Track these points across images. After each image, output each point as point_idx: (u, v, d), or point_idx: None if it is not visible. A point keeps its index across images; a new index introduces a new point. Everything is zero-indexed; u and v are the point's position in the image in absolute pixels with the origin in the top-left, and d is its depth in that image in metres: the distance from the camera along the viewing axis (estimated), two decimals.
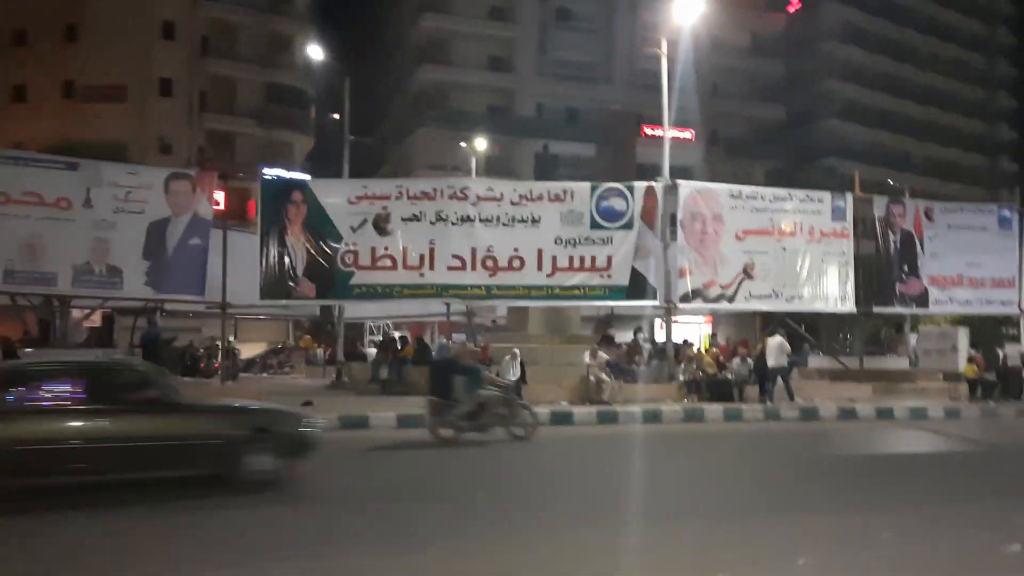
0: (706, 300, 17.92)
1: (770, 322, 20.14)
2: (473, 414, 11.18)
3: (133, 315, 19.60)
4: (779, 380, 16.23)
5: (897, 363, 28.35)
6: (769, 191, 19.47)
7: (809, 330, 22.55)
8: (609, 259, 17.01)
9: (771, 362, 16.21)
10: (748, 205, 18.12)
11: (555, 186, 17.68)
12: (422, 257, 16.64)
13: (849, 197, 19.07)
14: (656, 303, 17.54)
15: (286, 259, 16.39)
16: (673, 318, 18.50)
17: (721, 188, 18.67)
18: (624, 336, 21.90)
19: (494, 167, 37.97)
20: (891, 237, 19.13)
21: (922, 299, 19.42)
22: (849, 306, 18.72)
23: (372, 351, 23.40)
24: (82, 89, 35.79)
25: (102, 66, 35.47)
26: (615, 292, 17.23)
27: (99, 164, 16.12)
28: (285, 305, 21.08)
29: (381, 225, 16.55)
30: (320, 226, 16.43)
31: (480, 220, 16.81)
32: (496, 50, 44.14)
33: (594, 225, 17.07)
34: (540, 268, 16.88)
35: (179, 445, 7.41)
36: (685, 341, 22.15)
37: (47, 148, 22.75)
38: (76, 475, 7.18)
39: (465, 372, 11.43)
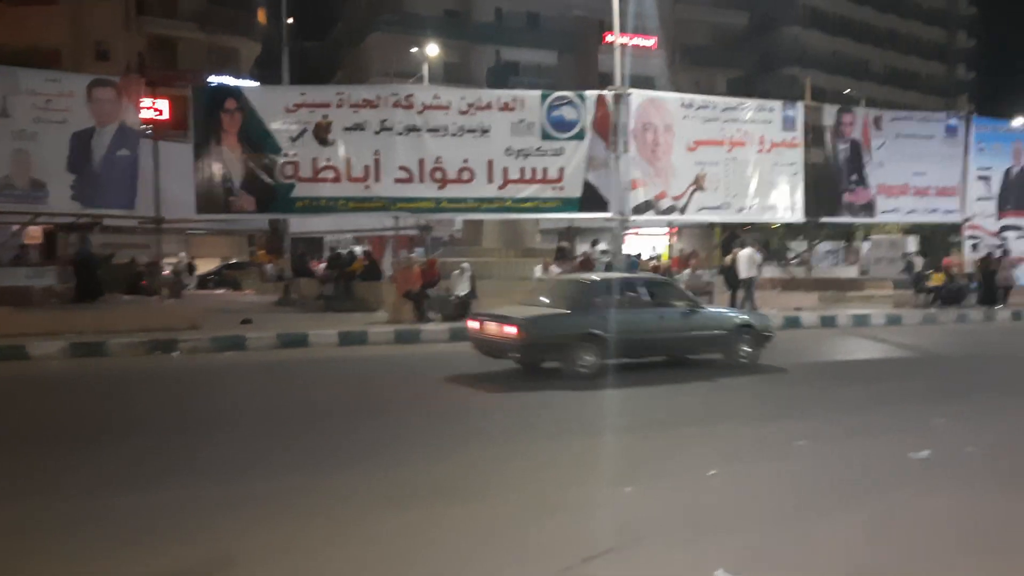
0: (658, 212, 17.78)
1: (734, 234, 20.18)
2: None
3: (78, 231, 18.79)
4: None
5: (847, 272, 28.96)
6: (721, 100, 19.12)
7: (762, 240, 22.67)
8: (561, 171, 16.71)
9: (743, 273, 16.56)
10: (699, 115, 17.79)
11: (505, 94, 17.14)
12: (367, 168, 16.11)
13: (800, 106, 18.84)
14: (609, 215, 17.38)
15: (223, 171, 15.74)
16: (633, 230, 18.34)
17: (672, 97, 18.27)
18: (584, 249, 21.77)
19: (452, 75, 36.82)
20: (840, 146, 18.99)
21: (869, 208, 19.48)
22: (798, 216, 18.76)
23: (323, 267, 23.04)
24: None
25: None
26: (568, 204, 16.99)
27: (15, 70, 15.10)
28: (224, 220, 20.48)
29: (322, 135, 15.89)
30: (257, 136, 15.73)
31: (427, 130, 16.27)
32: None
33: (545, 136, 16.66)
34: (491, 180, 16.52)
35: (707, 335, 10.35)
36: (639, 255, 22.17)
37: None
38: (649, 356, 10.39)
39: None
